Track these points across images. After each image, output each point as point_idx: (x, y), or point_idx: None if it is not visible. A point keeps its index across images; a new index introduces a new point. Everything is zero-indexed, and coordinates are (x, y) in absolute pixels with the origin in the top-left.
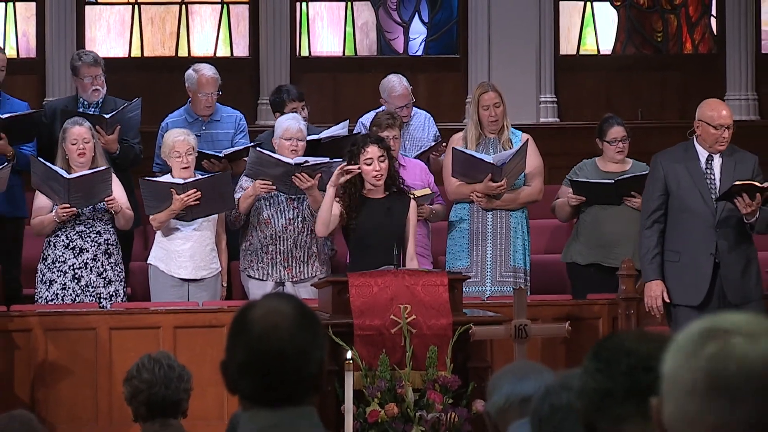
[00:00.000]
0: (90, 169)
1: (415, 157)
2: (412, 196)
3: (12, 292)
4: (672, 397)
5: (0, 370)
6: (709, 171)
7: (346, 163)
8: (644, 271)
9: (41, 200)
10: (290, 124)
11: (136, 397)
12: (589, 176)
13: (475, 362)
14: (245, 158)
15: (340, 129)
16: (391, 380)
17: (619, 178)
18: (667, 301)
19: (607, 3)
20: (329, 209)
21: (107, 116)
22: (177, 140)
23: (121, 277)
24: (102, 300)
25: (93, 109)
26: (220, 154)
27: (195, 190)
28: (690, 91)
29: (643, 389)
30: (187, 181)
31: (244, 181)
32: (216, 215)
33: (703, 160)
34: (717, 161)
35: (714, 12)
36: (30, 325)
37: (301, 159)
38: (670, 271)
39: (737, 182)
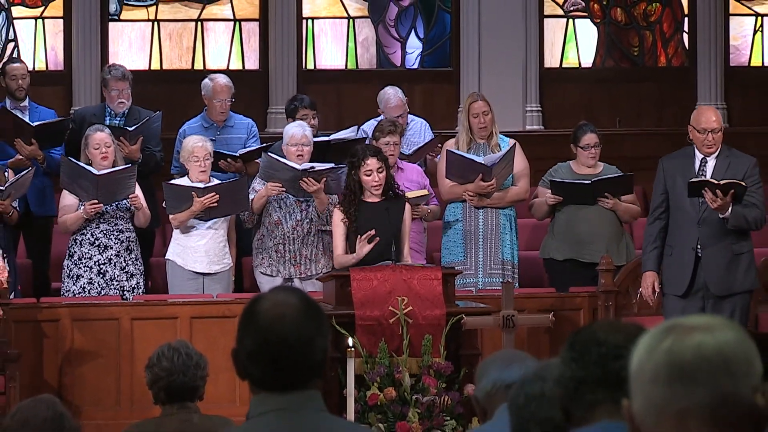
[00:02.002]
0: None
1: (410, 154)
2: (406, 199)
3: (41, 285)
4: (638, 389)
5: (30, 357)
6: (702, 172)
7: (350, 175)
8: (642, 262)
9: (67, 199)
10: (296, 131)
11: (156, 383)
12: (564, 178)
13: (466, 350)
14: (258, 160)
15: (349, 133)
16: (389, 366)
17: (596, 179)
18: (659, 290)
19: (588, 20)
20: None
21: (130, 129)
22: (196, 146)
23: (141, 270)
24: (125, 293)
25: (119, 118)
26: (237, 154)
27: (213, 193)
28: (664, 101)
29: (612, 377)
30: (207, 185)
31: (257, 184)
32: (229, 216)
33: (697, 162)
34: (711, 163)
35: (686, 28)
36: (58, 316)
37: (307, 165)
38: (665, 264)
39: (692, 179)
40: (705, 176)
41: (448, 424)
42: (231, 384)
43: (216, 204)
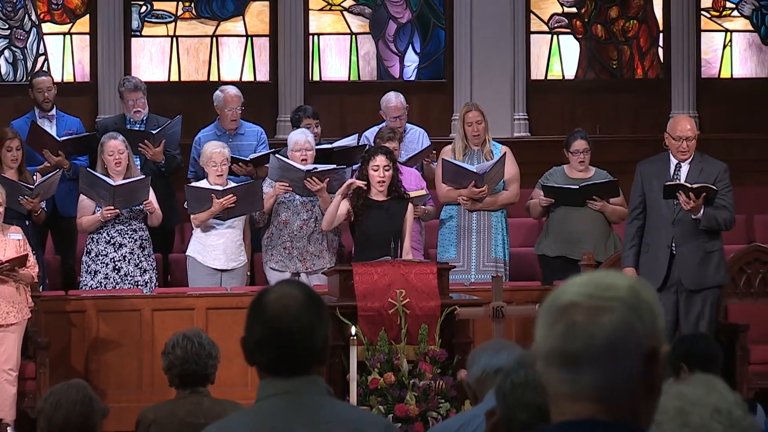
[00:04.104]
0: (125, 175)
1: (407, 160)
2: (409, 199)
3: (68, 279)
4: (540, 364)
5: (59, 345)
6: (676, 177)
7: (361, 170)
8: (622, 260)
9: (84, 202)
10: (298, 137)
11: (171, 370)
12: (557, 181)
13: (459, 338)
14: (266, 164)
15: (350, 140)
16: (389, 353)
17: (583, 184)
18: None
19: (571, 36)
20: (335, 211)
21: (154, 132)
22: (214, 152)
23: (154, 266)
24: (138, 287)
25: (138, 126)
26: (248, 159)
27: (232, 195)
28: (641, 110)
29: None
30: (225, 188)
31: (266, 186)
32: (244, 216)
33: (672, 166)
34: (685, 168)
35: (661, 43)
36: (84, 307)
37: (311, 166)
38: (642, 260)
39: (668, 183)
40: (679, 180)
41: (442, 407)
42: (243, 369)
43: (233, 205)
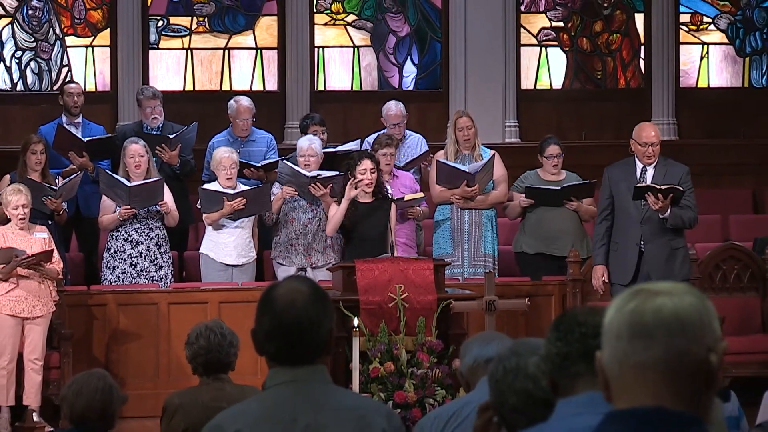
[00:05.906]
0: (145, 178)
1: (405, 164)
2: (393, 201)
3: (90, 274)
4: (606, 343)
5: (81, 336)
6: (642, 179)
7: (347, 175)
8: (593, 257)
9: (106, 201)
10: (303, 144)
11: (195, 359)
12: (532, 183)
13: (454, 330)
14: (275, 170)
15: (353, 145)
16: (389, 344)
17: (565, 185)
18: (607, 281)
19: (558, 48)
20: (341, 217)
21: (171, 136)
22: (223, 157)
23: (169, 263)
24: (153, 282)
25: (155, 132)
26: (258, 165)
27: (242, 197)
28: (624, 118)
29: (592, 352)
30: (236, 191)
31: (275, 189)
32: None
33: (638, 170)
34: (650, 172)
35: (642, 55)
36: (106, 301)
37: (315, 173)
38: (611, 258)
39: (637, 185)
40: (646, 182)
41: (438, 394)
42: (253, 359)
43: (243, 207)
